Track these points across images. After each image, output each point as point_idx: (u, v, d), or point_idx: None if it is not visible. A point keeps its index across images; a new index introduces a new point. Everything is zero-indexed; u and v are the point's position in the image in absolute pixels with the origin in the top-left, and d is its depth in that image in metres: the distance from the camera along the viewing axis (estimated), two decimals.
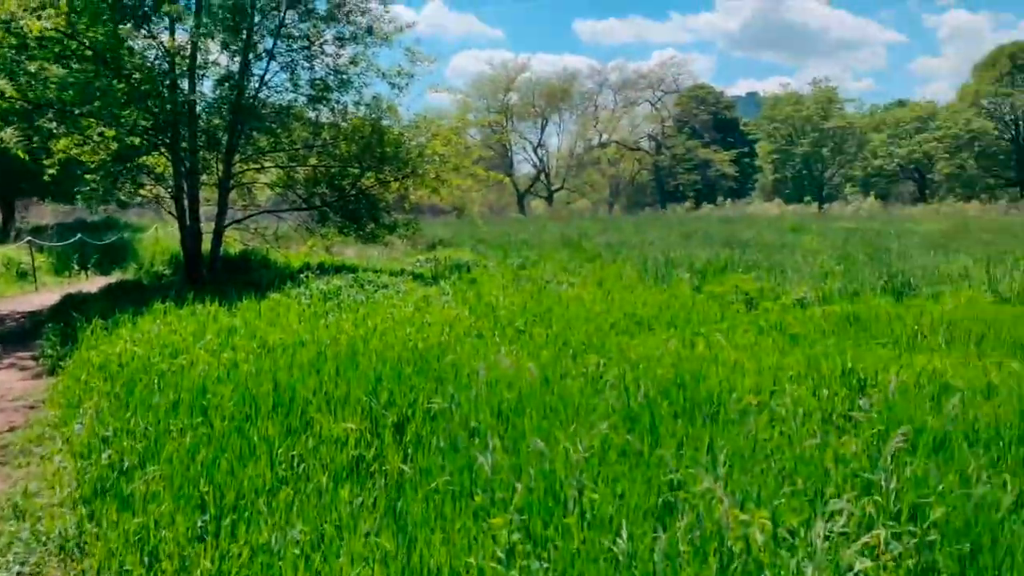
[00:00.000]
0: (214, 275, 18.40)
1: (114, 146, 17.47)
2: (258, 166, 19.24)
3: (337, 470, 5.48)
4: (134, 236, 29.29)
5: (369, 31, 18.92)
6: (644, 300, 12.64)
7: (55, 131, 16.60)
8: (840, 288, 14.55)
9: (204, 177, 18.67)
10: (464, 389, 6.54)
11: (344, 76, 18.44)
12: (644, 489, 4.75)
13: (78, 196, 30.92)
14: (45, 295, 20.38)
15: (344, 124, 18.81)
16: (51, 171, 19.14)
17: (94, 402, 8.97)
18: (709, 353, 8.62)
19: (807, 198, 79.18)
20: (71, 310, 15.31)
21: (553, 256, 22.50)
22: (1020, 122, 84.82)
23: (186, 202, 18.19)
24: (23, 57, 15.19)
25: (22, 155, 17.58)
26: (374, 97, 18.70)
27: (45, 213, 38.58)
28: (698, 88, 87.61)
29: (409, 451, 5.72)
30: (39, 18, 12.11)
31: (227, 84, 18.14)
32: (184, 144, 17.80)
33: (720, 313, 11.94)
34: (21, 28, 12.66)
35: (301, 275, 18.33)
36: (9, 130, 15.96)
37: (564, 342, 9.91)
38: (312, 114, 18.54)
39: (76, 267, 23.97)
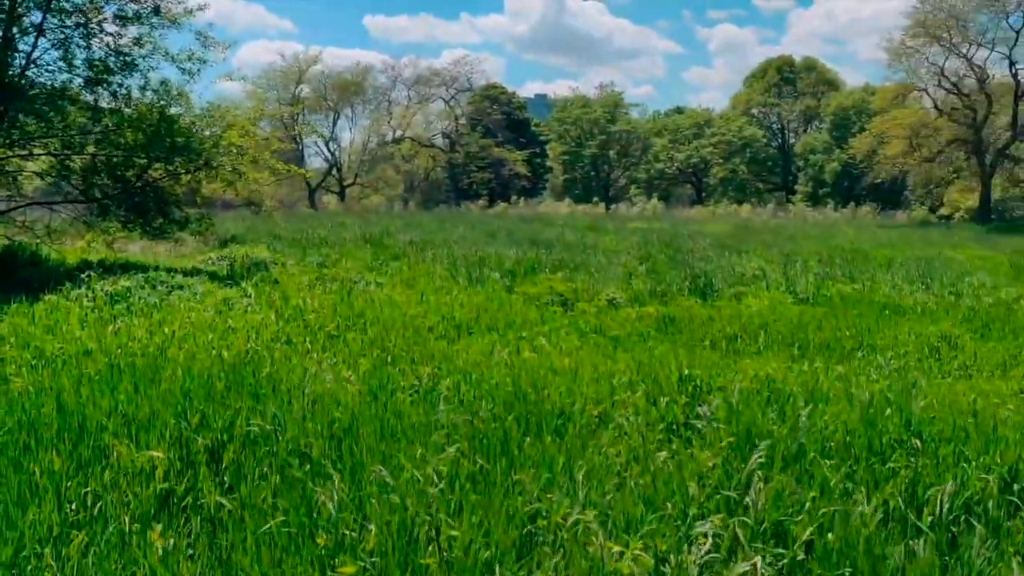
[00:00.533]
0: None
1: None
2: (25, 152, 17.26)
3: (143, 509, 4.69)
4: None
5: (156, 11, 17.43)
6: (460, 302, 12.20)
7: None
8: (649, 289, 14.73)
9: None
10: (286, 407, 5.85)
11: (127, 58, 16.89)
12: (505, 521, 4.31)
13: None
14: None
15: (128, 110, 17.23)
16: None
17: None
18: (539, 360, 8.30)
19: (595, 199, 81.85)
20: None
21: (355, 254, 21.69)
22: (786, 130, 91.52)
23: None
24: None
25: None
26: (162, 82, 17.25)
27: None
28: (491, 88, 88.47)
29: (228, 482, 5.00)
30: None
31: None
32: None
33: (539, 316, 11.70)
34: None
35: (81, 275, 16.70)
36: None
37: (382, 348, 9.33)
38: (90, 97, 16.83)
39: None
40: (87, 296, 11.37)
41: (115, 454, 5.15)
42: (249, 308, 11.24)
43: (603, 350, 9.60)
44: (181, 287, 12.49)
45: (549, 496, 4.62)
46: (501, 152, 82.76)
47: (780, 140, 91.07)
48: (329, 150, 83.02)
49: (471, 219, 43.10)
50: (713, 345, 10.17)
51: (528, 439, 5.52)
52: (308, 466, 4.98)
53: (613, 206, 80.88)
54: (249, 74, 71.85)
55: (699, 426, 6.29)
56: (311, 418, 5.62)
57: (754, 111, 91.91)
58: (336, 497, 4.29)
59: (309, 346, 9.32)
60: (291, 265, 19.84)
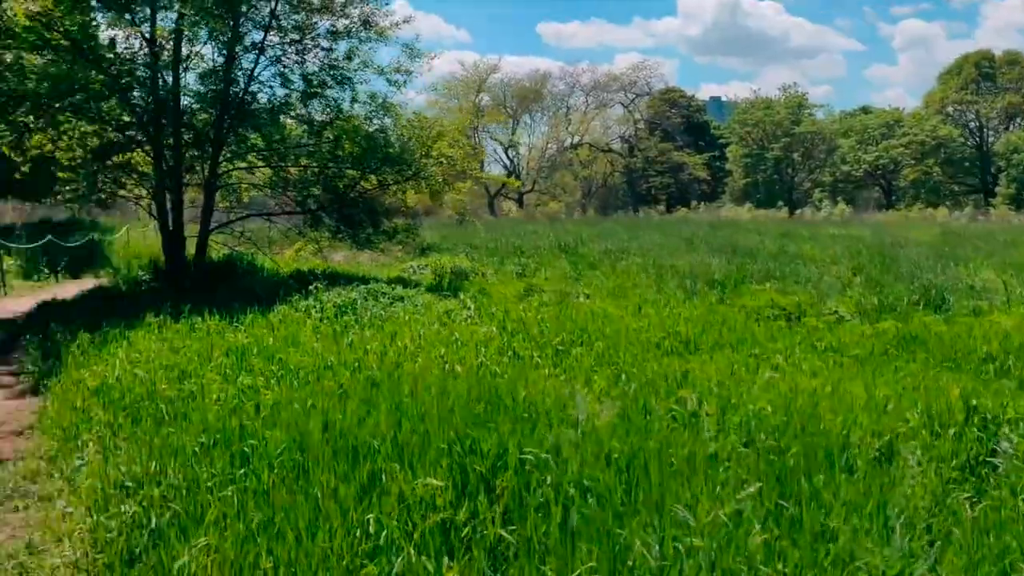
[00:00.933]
0: (198, 282, 17.26)
1: (94, 142, 16.29)
2: (246, 165, 18.11)
3: (426, 540, 4.53)
4: (104, 238, 27.88)
5: (365, 25, 17.91)
6: (682, 315, 11.76)
7: (32, 125, 15.41)
8: (875, 303, 13.80)
9: (187, 177, 17.52)
10: (556, 432, 5.60)
11: (340, 72, 17.41)
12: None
13: (58, 194, 29.67)
14: (16, 301, 19.08)
15: (340, 122, 17.78)
16: (24, 168, 17.91)
17: (94, 434, 7.93)
18: (789, 383, 7.76)
19: (779, 203, 79.06)
20: (49, 320, 14.15)
21: (552, 263, 21.60)
22: (984, 129, 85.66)
23: (169, 203, 17.06)
24: None
25: (6, 151, 16.33)
26: (373, 95, 17.71)
27: (5, 211, 36.89)
28: (670, 91, 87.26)
29: (506, 513, 4.78)
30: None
31: (213, 78, 17.05)
32: (168, 141, 16.69)
33: (766, 331, 11.10)
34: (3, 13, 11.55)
35: (292, 282, 17.30)
36: None
37: (612, 364, 9.03)
38: (304, 111, 17.47)
39: (46, 271, 22.61)
40: (315, 307, 11.67)
41: (389, 480, 5.04)
42: (469, 319, 11.22)
43: (847, 371, 8.94)
44: (402, 298, 12.66)
45: (867, 546, 4.16)
46: (680, 156, 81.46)
47: (978, 139, 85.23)
48: (508, 157, 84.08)
49: (657, 225, 42.36)
50: (973, 368, 9.30)
51: (821, 477, 5.04)
52: (592, 499, 4.71)
53: (797, 211, 77.92)
54: (430, 83, 73.59)
55: (998, 464, 5.64)
56: (582, 445, 5.36)
57: (949, 109, 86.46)
58: (657, 551, 3.96)
59: (539, 360, 9.13)
60: (490, 274, 19.95)
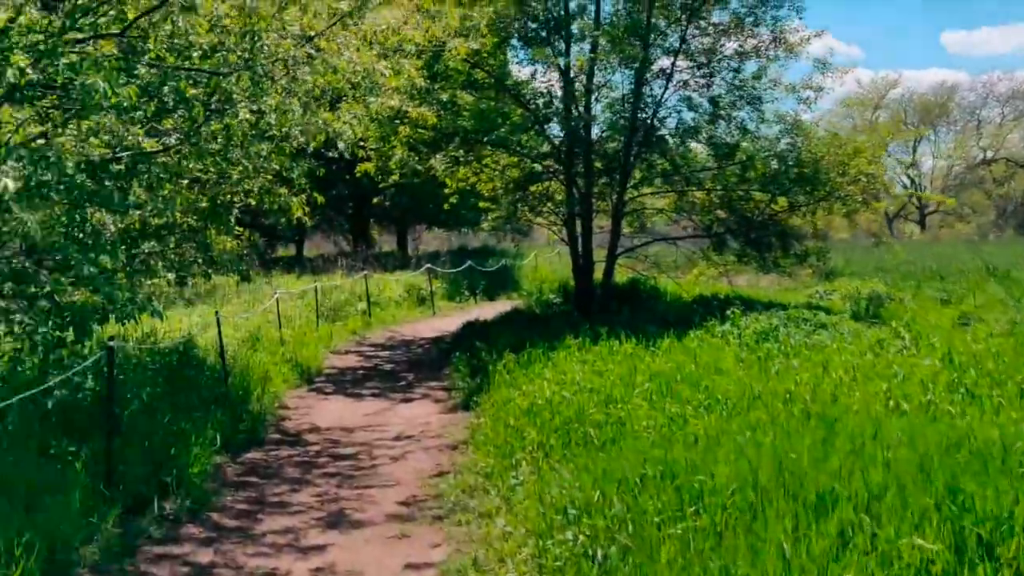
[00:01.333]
0: (605, 305, 17.58)
1: (514, 174, 17.30)
2: (652, 191, 18.20)
3: None
4: (514, 263, 29.75)
5: (774, 42, 17.23)
6: None
7: (461, 159, 16.69)
8: None
9: (596, 203, 17.94)
10: None
11: (748, 92, 16.89)
12: None
13: (477, 224, 32.25)
14: (442, 320, 20.81)
15: (746, 143, 17.25)
16: (452, 199, 19.47)
17: (527, 453, 8.12)
18: None
19: None
20: (473, 339, 15.13)
21: (980, 288, 19.26)
22: None
23: (579, 229, 17.58)
24: (435, 86, 15.31)
25: (450, 183, 17.91)
26: (782, 114, 16.99)
27: (429, 240, 40.88)
28: None
29: None
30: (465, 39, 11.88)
31: (621, 106, 17.31)
32: (579, 169, 17.22)
33: None
34: (447, 52, 12.55)
35: (727, 310, 16.96)
36: (439, 156, 16.21)
37: None
38: (710, 134, 17.14)
39: (466, 292, 24.54)
40: (733, 333, 11.24)
41: (866, 535, 4.42)
42: (904, 350, 10.13)
43: None
44: (824, 326, 11.83)
45: None
46: None
47: None
48: (909, 177, 77.88)
49: None
50: None
51: None
52: None
53: None
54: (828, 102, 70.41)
55: None
56: None
57: None
58: None
59: (1000, 401, 7.89)
60: (908, 300, 18.24)
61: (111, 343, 7.19)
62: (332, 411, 11.70)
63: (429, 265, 22.97)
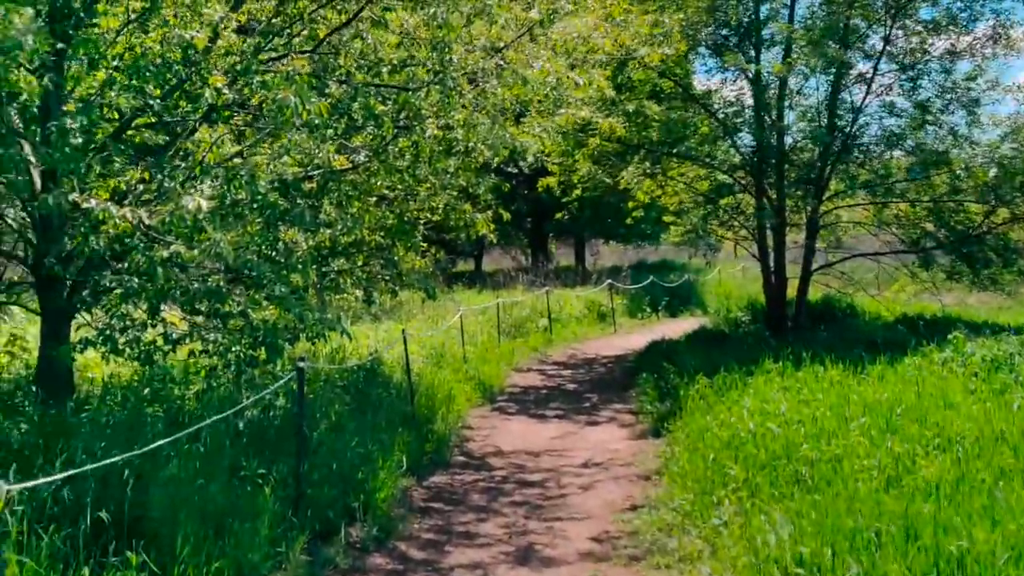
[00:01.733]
0: (798, 324, 16.52)
1: (703, 186, 16.55)
2: (851, 203, 16.98)
3: None
4: (696, 279, 28.77)
5: (994, 40, 15.75)
6: None
7: (647, 172, 16.11)
8: None
9: (789, 216, 16.89)
10: None
11: (964, 94, 15.49)
12: None
13: (654, 238, 31.51)
14: (623, 338, 20.24)
15: (956, 151, 15.82)
16: (635, 214, 18.92)
17: (729, 490, 7.46)
18: None
19: None
20: (659, 359, 14.49)
21: None
22: None
23: (770, 244, 16.60)
24: (620, 97, 14.81)
25: (641, 196, 17.41)
26: (1001, 118, 15.47)
27: (606, 254, 40.30)
28: None
29: None
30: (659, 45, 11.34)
31: (816, 113, 16.26)
32: (770, 180, 16.27)
33: None
34: (633, 61, 12.09)
35: (900, 327, 15.68)
36: (630, 169, 15.75)
37: None
38: (916, 142, 15.79)
39: (648, 309, 23.83)
40: (956, 360, 10.11)
41: None
42: None
43: None
44: None
45: None
46: None
47: None
48: None
49: None
50: None
51: None
52: None
53: None
54: None
55: None
56: None
57: None
58: None
59: None
60: None
61: (301, 363, 7.07)
62: (516, 433, 11.37)
63: (610, 281, 22.42)
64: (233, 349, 7.04)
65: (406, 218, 10.50)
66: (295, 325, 6.81)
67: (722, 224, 17.03)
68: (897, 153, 16.93)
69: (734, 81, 16.69)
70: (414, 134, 9.07)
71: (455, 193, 10.96)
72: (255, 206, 6.89)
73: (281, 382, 7.26)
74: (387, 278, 10.03)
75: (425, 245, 11.47)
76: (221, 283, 6.82)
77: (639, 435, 11.12)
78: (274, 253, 7.63)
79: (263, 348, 6.75)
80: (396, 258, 9.80)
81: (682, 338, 16.90)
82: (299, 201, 7.90)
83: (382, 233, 10.41)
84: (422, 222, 10.56)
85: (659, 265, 33.44)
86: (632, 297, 24.06)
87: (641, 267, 28.27)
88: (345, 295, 9.74)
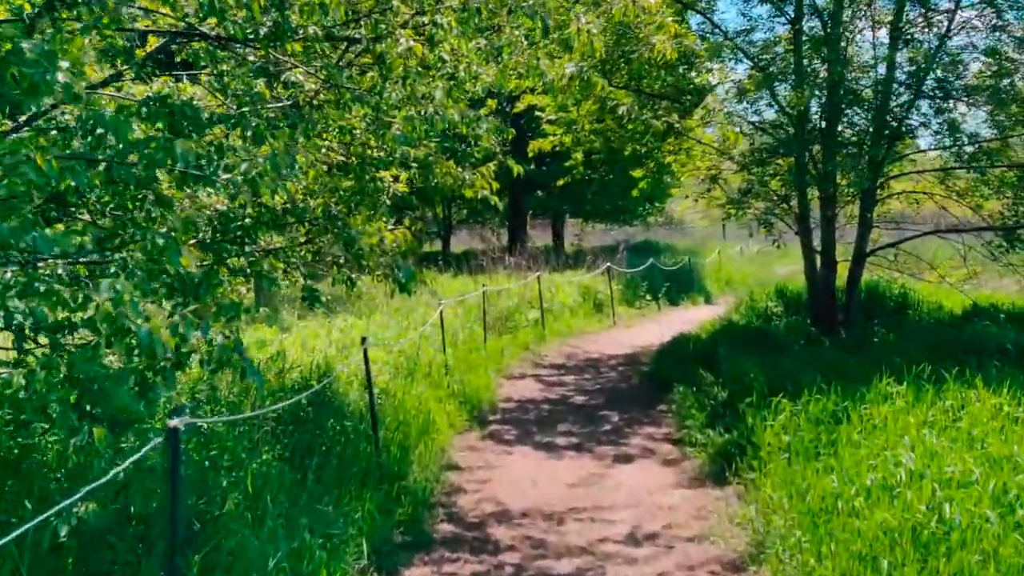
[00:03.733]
0: (849, 320, 13.48)
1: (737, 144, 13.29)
2: (915, 171, 13.85)
3: None
4: (696, 262, 25.63)
5: None
6: None
7: (668, 126, 12.85)
8: None
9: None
10: None
11: None
12: None
13: (642, 215, 28.31)
14: (625, 332, 17.11)
15: None
16: (642, 184, 15.79)
17: None
18: None
19: None
20: (693, 365, 11.37)
21: None
22: None
23: (819, 214, 13.44)
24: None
25: (649, 163, 14.16)
26: None
27: (587, 235, 36.97)
28: None
29: None
30: None
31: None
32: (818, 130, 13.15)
33: None
34: None
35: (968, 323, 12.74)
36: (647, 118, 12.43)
37: None
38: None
39: (647, 297, 20.64)
40: None
41: None
42: None
43: None
44: None
45: None
46: None
47: None
48: None
49: None
50: None
51: None
52: None
53: None
54: None
55: None
56: None
57: None
58: None
59: None
60: None
61: (176, 421, 3.81)
62: (521, 476, 8.16)
63: (609, 264, 19.17)
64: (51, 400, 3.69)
65: (369, 176, 7.17)
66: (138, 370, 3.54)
67: (760, 196, 13.75)
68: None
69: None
70: (380, 45, 5.80)
71: (434, 144, 7.67)
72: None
73: (138, 455, 3.94)
74: (340, 261, 6.67)
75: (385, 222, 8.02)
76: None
77: (695, 479, 7.98)
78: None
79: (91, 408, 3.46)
80: (353, 232, 6.42)
81: (706, 334, 13.79)
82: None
83: (335, 198, 7.11)
84: (389, 180, 7.21)
85: (642, 247, 30.23)
86: (629, 283, 20.83)
87: (627, 249, 25.06)
88: (277, 284, 6.39)
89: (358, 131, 6.70)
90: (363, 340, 7.85)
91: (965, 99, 13.16)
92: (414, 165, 7.62)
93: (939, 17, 12.80)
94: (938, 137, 12.93)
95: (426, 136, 6.80)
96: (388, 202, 7.43)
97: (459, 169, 7.76)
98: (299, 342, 10.88)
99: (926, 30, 12.96)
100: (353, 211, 7.20)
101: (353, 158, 7.17)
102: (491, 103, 10.64)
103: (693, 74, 13.32)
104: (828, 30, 12.78)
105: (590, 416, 10.53)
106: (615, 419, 10.34)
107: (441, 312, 11.66)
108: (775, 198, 13.22)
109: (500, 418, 10.42)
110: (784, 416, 7.55)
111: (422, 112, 6.09)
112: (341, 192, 7.22)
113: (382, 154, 6.89)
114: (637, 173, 15.63)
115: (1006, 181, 13.10)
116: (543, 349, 14.81)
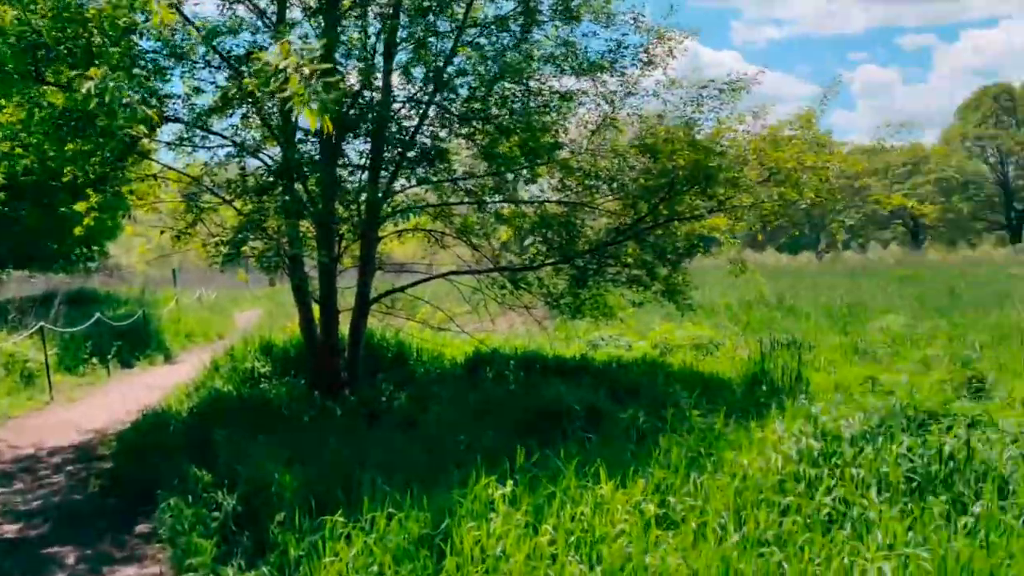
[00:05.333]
0: (354, 378, 11.64)
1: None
2: (415, 207, 12.35)
3: None
4: (150, 312, 21.90)
5: None
6: None
7: None
8: None
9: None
10: None
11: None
12: None
13: (72, 261, 23.68)
14: (71, 410, 13.22)
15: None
16: (87, 220, 12.28)
17: None
18: None
19: (820, 246, 73.78)
20: (179, 460, 8.41)
21: None
22: (1005, 164, 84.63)
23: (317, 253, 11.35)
24: None
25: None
26: None
27: (9, 286, 30.52)
28: None
29: None
30: None
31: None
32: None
33: None
34: None
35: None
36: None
37: None
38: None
39: (93, 360, 16.65)
40: (782, 442, 6.03)
41: None
42: None
43: None
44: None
45: None
46: None
47: (1000, 174, 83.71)
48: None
49: None
50: None
51: None
52: None
53: (828, 254, 72.40)
54: None
55: None
56: None
57: (968, 144, 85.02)
58: None
59: None
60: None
61: None
62: None
63: (42, 323, 14.89)
64: None
65: None
66: None
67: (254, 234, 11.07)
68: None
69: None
70: None
71: None
72: None
73: None
74: None
75: None
76: None
77: None
78: None
79: None
80: None
81: (187, 411, 10.84)
82: None
83: None
84: None
85: (86, 297, 25.60)
86: (68, 345, 16.64)
87: (74, 300, 20.54)
88: None
89: None
90: None
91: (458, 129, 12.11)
92: None
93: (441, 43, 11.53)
94: (432, 170, 11.57)
95: None
96: None
97: None
98: None
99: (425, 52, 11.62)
100: None
101: None
102: None
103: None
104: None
105: (31, 559, 7.03)
106: (72, 560, 6.98)
107: None
108: (274, 237, 10.75)
109: None
110: (359, 546, 5.17)
111: None
112: None
113: None
114: (81, 207, 12.09)
115: (506, 218, 12.34)
116: None
